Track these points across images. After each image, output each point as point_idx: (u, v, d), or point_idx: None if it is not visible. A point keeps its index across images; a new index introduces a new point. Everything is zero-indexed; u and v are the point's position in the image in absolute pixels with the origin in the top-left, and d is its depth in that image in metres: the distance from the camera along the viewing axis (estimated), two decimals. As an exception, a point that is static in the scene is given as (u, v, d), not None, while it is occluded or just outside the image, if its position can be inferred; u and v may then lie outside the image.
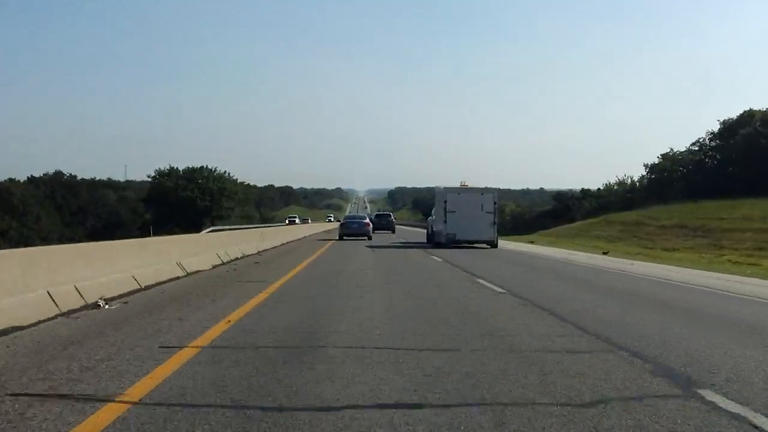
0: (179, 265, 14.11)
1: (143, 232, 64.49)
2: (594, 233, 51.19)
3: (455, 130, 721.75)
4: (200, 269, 15.20)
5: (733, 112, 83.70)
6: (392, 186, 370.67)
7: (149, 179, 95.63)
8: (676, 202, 57.30)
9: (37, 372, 5.20)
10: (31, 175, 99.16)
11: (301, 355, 5.87)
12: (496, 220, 30.12)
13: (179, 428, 3.88)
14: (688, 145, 75.57)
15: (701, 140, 74.47)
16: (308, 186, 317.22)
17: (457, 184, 31.50)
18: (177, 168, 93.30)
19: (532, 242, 43.00)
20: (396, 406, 4.36)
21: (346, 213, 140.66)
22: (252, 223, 76.80)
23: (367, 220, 42.05)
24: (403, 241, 38.13)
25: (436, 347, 6.39)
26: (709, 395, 4.76)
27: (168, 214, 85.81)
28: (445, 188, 31.06)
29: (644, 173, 79.73)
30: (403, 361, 5.70)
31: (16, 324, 7.18)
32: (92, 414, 4.12)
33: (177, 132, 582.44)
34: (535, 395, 4.70)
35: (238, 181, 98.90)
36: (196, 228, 64.24)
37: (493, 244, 29.97)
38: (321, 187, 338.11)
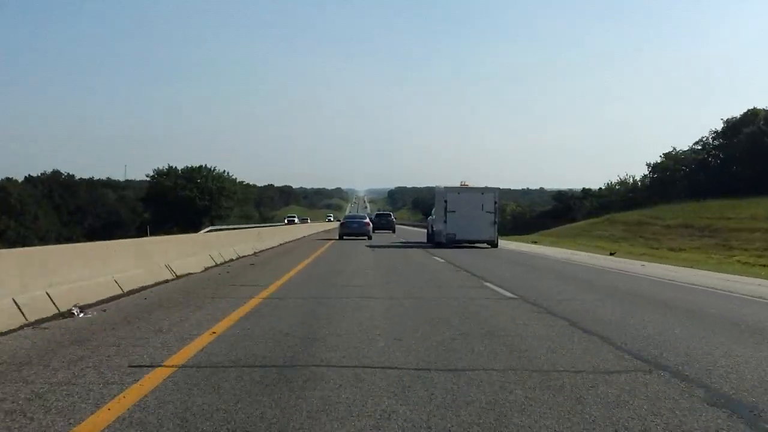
0: (168, 267, 13.30)
1: (142, 232, 63.95)
2: (597, 233, 50.41)
3: (455, 130, 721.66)
4: (191, 272, 14.39)
5: (733, 112, 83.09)
6: (392, 186, 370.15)
7: (148, 179, 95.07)
8: (679, 202, 56.59)
9: (-22, 400, 4.40)
10: (29, 175, 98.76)
11: (291, 378, 5.05)
12: (496, 220, 29.94)
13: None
14: (691, 144, 75.04)
15: (704, 139, 73.88)
16: (308, 186, 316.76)
17: (458, 184, 31.29)
18: (176, 167, 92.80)
19: (534, 242, 42.20)
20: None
21: (346, 213, 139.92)
22: (251, 223, 76.27)
23: (367, 220, 41.93)
24: (403, 240, 37.83)
25: (448, 367, 5.56)
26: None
27: (167, 213, 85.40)
28: (445, 188, 30.84)
29: (646, 173, 79.13)
30: (410, 385, 4.88)
31: (-27, 337, 6.39)
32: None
33: (177, 132, 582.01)
34: (570, 432, 3.89)
35: (237, 180, 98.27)
36: (195, 228, 63.75)
37: (494, 244, 29.77)
38: (321, 186, 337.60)
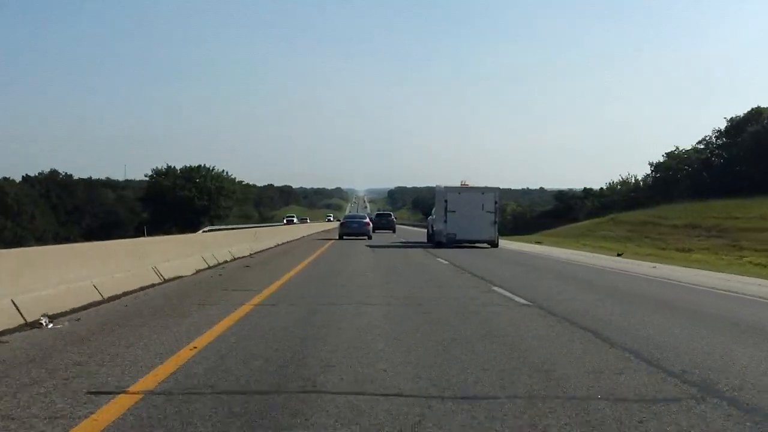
0: (155, 270, 12.47)
1: (140, 232, 63.34)
2: (601, 233, 49.69)
3: (455, 130, 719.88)
4: (180, 275, 13.56)
5: (734, 113, 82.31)
6: (392, 186, 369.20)
7: (147, 179, 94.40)
8: (682, 202, 55.88)
9: None
10: (26, 174, 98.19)
11: (277, 409, 4.23)
12: (496, 220, 29.85)
13: None
14: (693, 144, 74.35)
15: (707, 138, 73.21)
16: (308, 186, 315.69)
17: (458, 184, 31.09)
18: (174, 167, 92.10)
19: (538, 242, 41.38)
20: None
21: (346, 213, 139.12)
22: (251, 223, 75.68)
23: (367, 220, 41.91)
24: (404, 240, 37.51)
25: (465, 394, 4.74)
26: None
27: (165, 213, 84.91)
28: (445, 187, 30.63)
29: (649, 172, 78.41)
30: (420, 420, 4.05)
31: None
32: None
33: (177, 132, 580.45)
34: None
35: (237, 180, 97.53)
36: (193, 227, 63.10)
37: (494, 244, 29.63)
38: (321, 186, 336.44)
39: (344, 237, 38.59)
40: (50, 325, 7.40)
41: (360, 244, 32.07)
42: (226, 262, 17.94)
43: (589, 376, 5.18)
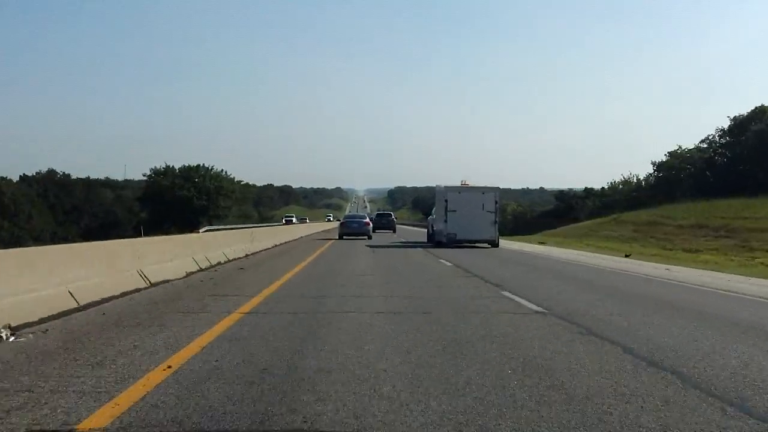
0: (140, 273, 11.64)
1: (138, 232, 62.70)
2: (604, 233, 48.81)
3: (455, 130, 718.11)
4: (169, 278, 12.73)
5: (734, 112, 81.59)
6: (392, 185, 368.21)
7: (145, 178, 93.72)
8: (686, 201, 55.06)
9: None
10: (24, 174, 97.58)
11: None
12: (497, 220, 29.75)
13: None
14: (696, 143, 73.58)
15: (710, 137, 72.41)
16: (308, 185, 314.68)
17: (458, 184, 30.95)
18: (173, 166, 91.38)
19: (541, 243, 40.56)
20: None
21: (346, 212, 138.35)
22: (250, 223, 75.15)
23: (367, 220, 41.89)
24: (404, 240, 37.25)
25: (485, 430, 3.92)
26: None
27: (164, 213, 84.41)
28: (445, 187, 30.49)
29: (651, 171, 77.62)
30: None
31: None
32: None
33: (177, 132, 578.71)
34: None
35: (236, 180, 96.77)
36: (192, 227, 62.45)
37: (494, 244, 29.52)
38: (321, 186, 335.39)
39: (344, 237, 38.43)
40: (12, 339, 6.58)
41: (360, 244, 31.58)
42: (219, 264, 17.11)
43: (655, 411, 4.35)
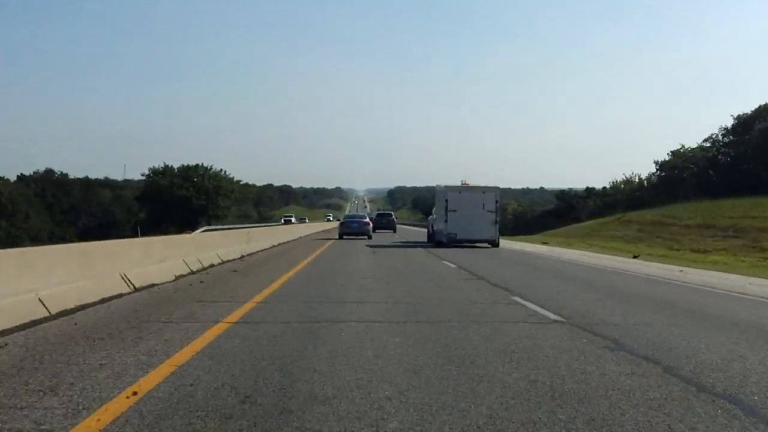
0: (124, 277, 10.82)
1: (137, 232, 62.02)
2: (608, 233, 47.98)
3: (455, 130, 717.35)
4: (156, 282, 11.91)
5: (733, 112, 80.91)
6: (392, 185, 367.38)
7: (143, 177, 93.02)
8: (689, 201, 54.28)
9: None
10: (21, 174, 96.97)
11: None
12: (497, 219, 29.60)
13: None
14: (699, 142, 72.84)
15: (714, 136, 71.68)
16: (308, 185, 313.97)
17: (458, 183, 30.86)
18: (172, 166, 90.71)
19: (545, 243, 39.73)
20: None
21: (346, 212, 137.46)
22: (250, 223, 74.50)
23: (367, 220, 41.84)
24: (404, 240, 36.96)
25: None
26: None
27: (162, 212, 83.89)
28: (446, 187, 30.32)
29: (653, 171, 76.88)
30: None
31: None
32: None
33: (177, 132, 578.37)
34: None
35: (235, 179, 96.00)
36: (191, 227, 61.74)
37: (495, 244, 29.40)
38: (320, 186, 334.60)
39: (344, 237, 38.26)
40: (-39, 356, 5.77)
41: (360, 244, 31.02)
42: (212, 266, 16.29)
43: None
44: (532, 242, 41.58)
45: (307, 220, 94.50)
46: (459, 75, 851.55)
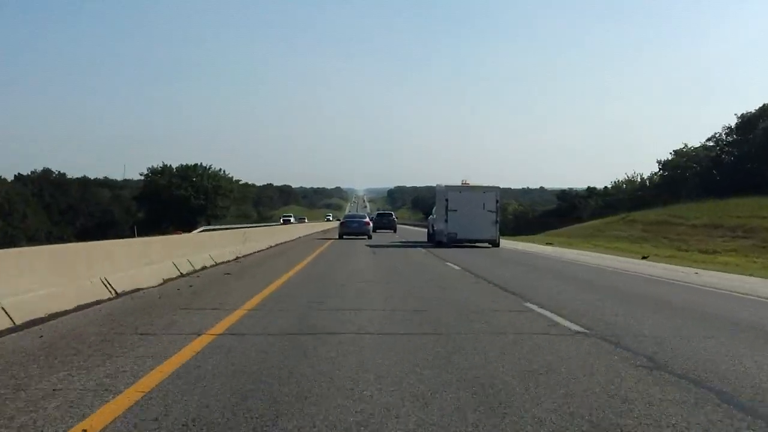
0: (104, 282, 9.99)
1: (134, 232, 61.35)
2: (612, 233, 47.15)
3: (455, 130, 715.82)
4: (141, 287, 11.09)
5: (733, 113, 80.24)
6: (392, 185, 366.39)
7: (141, 177, 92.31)
8: (692, 200, 53.50)
9: None
10: (19, 173, 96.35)
11: None
12: (498, 219, 29.46)
13: None
14: (702, 141, 72.08)
15: (717, 135, 70.91)
16: (307, 185, 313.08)
17: (459, 183, 30.68)
18: (170, 166, 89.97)
19: (549, 243, 38.89)
20: None
21: (346, 212, 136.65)
22: (249, 223, 73.86)
23: (367, 219, 41.74)
24: (404, 240, 36.68)
25: None
26: None
27: (161, 212, 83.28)
28: (446, 186, 30.17)
29: (655, 171, 76.11)
30: None
31: None
32: None
33: (177, 132, 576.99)
34: None
35: (234, 179, 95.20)
36: (190, 227, 61.06)
37: (495, 243, 29.22)
38: (320, 186, 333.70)
39: (344, 237, 38.07)
40: None
41: (360, 244, 30.44)
42: (204, 268, 15.48)
43: None
44: (534, 242, 40.82)
45: (306, 220, 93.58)
46: (459, 75, 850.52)
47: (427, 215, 49.03)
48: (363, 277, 13.94)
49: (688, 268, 19.59)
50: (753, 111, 67.89)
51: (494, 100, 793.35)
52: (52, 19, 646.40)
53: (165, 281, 12.31)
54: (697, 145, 72.42)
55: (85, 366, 5.40)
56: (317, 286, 12.04)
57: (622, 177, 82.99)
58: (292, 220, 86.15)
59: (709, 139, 71.81)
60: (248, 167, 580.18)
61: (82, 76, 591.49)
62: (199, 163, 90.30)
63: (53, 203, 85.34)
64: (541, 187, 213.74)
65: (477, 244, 28.99)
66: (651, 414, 4.18)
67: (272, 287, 11.72)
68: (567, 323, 7.86)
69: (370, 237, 37.91)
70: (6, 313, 7.16)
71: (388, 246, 29.39)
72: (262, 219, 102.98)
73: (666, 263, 22.39)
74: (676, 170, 71.80)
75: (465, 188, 29.97)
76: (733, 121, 68.91)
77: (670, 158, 73.92)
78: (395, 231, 53.26)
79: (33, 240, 60.66)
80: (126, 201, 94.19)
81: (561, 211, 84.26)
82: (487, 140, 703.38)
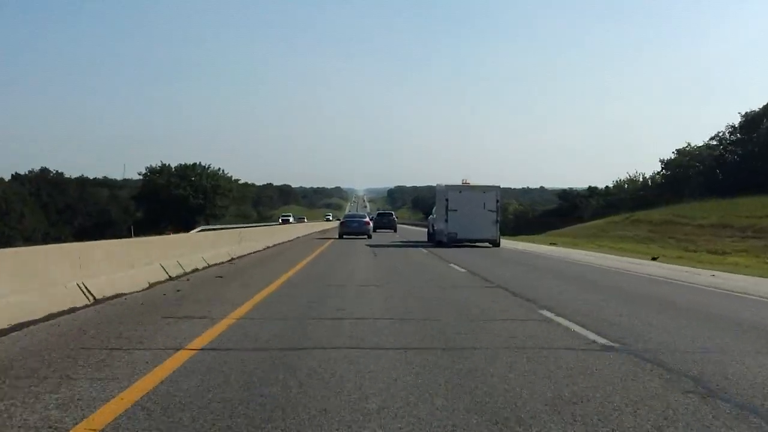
0: (82, 287, 9.16)
1: (134, 232, 60.67)
2: (617, 233, 46.36)
3: (455, 130, 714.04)
4: (124, 292, 10.26)
5: (733, 113, 79.60)
6: (392, 185, 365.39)
7: (140, 176, 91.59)
8: (695, 200, 52.75)
9: None
10: (16, 173, 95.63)
11: None
12: (498, 219, 29.28)
13: None
14: (705, 140, 71.39)
15: (720, 134, 70.19)
16: (307, 185, 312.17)
17: (459, 183, 30.59)
18: (169, 165, 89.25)
19: (553, 244, 38.07)
20: None
21: (346, 212, 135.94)
22: (249, 222, 73.21)
23: (367, 219, 41.83)
24: (405, 240, 36.41)
25: None
26: None
27: (159, 212, 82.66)
28: (446, 186, 30.07)
29: (658, 170, 75.38)
30: None
31: None
32: None
33: (177, 131, 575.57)
34: None
35: (234, 179, 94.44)
36: (188, 226, 60.40)
37: (496, 243, 29.04)
38: (320, 186, 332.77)
39: (344, 236, 37.96)
40: None
41: (360, 244, 29.87)
42: (196, 270, 14.65)
43: None
44: (536, 242, 40.06)
45: (305, 220, 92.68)
46: (459, 75, 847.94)
47: (427, 215, 49.08)
48: (362, 281, 13.12)
49: (704, 270, 18.71)
50: (757, 110, 67.16)
51: (494, 100, 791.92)
52: (52, 19, 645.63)
53: (151, 285, 11.48)
54: (700, 144, 71.76)
55: (35, 392, 4.57)
56: (314, 291, 11.22)
57: (622, 177, 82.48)
58: (291, 220, 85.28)
59: (712, 138, 71.19)
60: (248, 167, 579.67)
61: (82, 75, 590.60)
62: (197, 163, 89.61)
63: (51, 203, 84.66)
64: (541, 187, 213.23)
65: (477, 244, 28.71)
66: None
67: (265, 292, 10.89)
68: (592, 335, 7.03)
69: (370, 237, 37.75)
70: (-40, 324, 6.34)
71: (388, 246, 29.00)
72: (262, 219, 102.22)
73: (680, 265, 21.54)
74: (679, 169, 71.09)
75: (465, 188, 29.77)
76: (736, 120, 68.22)
77: (672, 157, 73.23)
78: (395, 231, 53.14)
79: (29, 240, 59.97)
80: (124, 201, 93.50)
81: (562, 210, 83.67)
82: (487, 140, 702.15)
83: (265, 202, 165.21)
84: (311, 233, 49.94)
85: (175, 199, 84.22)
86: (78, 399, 4.39)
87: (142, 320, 7.80)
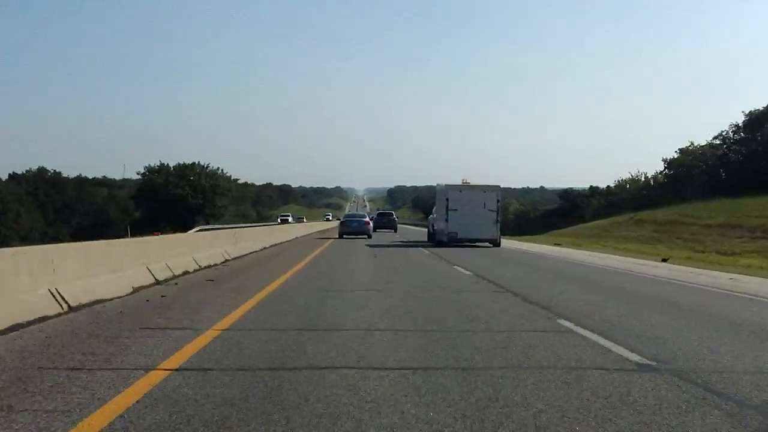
0: (54, 293, 8.32)
1: (133, 231, 59.86)
2: (621, 233, 45.57)
3: (455, 130, 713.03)
4: (103, 298, 9.42)
5: (733, 113, 79.04)
6: (392, 185, 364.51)
7: (139, 176, 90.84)
8: (698, 200, 52.02)
9: None
10: (13, 172, 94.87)
11: None
12: (498, 219, 29.18)
13: None
14: (709, 139, 70.71)
15: (724, 133, 69.50)
16: (307, 185, 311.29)
17: (459, 182, 30.53)
18: (168, 164, 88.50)
19: (557, 244, 37.26)
20: None
21: (346, 212, 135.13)
22: (248, 222, 72.56)
23: (367, 219, 41.77)
24: (405, 240, 36.24)
25: None
26: None
27: (158, 211, 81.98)
28: (447, 186, 29.97)
29: (660, 169, 74.68)
30: None
31: None
32: None
33: (177, 131, 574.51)
34: None
35: (233, 178, 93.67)
36: (187, 226, 59.69)
37: (496, 243, 28.93)
38: (320, 186, 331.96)
39: (344, 236, 37.88)
40: None
41: (360, 244, 29.27)
42: (186, 273, 13.82)
43: None
44: (538, 242, 39.31)
45: (305, 220, 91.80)
46: (459, 75, 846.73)
47: (427, 215, 48.95)
48: (363, 282, 12.32)
49: (721, 272, 17.84)
50: (760, 109, 66.46)
51: (494, 100, 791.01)
52: (52, 19, 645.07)
53: (135, 290, 10.64)
54: (704, 143, 71.04)
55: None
56: (311, 296, 10.38)
57: (622, 177, 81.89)
58: (290, 220, 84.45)
59: (715, 138, 70.51)
60: (248, 167, 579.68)
61: (82, 75, 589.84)
62: (196, 162, 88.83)
63: (48, 202, 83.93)
64: (542, 187, 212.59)
65: (477, 244, 28.47)
66: None
67: (258, 298, 10.06)
68: (623, 351, 6.19)
69: (370, 236, 37.54)
70: None
71: (388, 246, 28.59)
72: (261, 218, 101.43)
73: (692, 266, 20.73)
74: (682, 169, 70.39)
75: (465, 187, 29.63)
76: (739, 119, 67.55)
77: (676, 157, 72.51)
78: (396, 230, 52.89)
79: (26, 240, 59.22)
80: (123, 200, 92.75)
81: (563, 210, 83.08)
82: (487, 140, 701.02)
83: (264, 202, 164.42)
84: (311, 233, 49.17)
85: (174, 198, 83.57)
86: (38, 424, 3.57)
87: (117, 331, 6.97)
